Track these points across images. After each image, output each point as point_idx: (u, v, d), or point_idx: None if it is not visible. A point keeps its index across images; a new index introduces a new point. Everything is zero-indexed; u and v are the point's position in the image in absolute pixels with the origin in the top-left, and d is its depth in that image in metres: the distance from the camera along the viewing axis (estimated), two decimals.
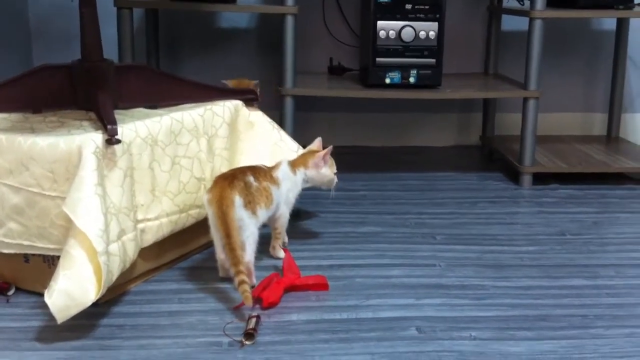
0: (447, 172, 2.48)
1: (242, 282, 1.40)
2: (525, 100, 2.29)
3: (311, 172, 1.71)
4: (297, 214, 1.91)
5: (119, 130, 1.44)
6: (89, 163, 1.37)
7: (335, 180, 1.73)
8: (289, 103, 2.25)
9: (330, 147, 1.73)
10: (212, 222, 1.50)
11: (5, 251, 1.48)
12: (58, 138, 1.42)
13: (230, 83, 2.08)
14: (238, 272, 1.41)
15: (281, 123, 2.28)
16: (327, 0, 2.68)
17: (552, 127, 2.76)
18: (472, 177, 2.42)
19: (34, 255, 1.47)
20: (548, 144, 2.56)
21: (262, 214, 1.57)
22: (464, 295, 1.52)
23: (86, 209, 1.33)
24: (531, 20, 2.24)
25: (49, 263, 1.47)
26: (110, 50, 1.78)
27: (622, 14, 2.35)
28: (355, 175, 2.39)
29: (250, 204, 1.52)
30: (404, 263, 1.68)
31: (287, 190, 1.66)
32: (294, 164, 1.70)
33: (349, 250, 1.76)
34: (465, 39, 2.74)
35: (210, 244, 1.69)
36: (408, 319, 1.41)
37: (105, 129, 1.43)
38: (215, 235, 1.51)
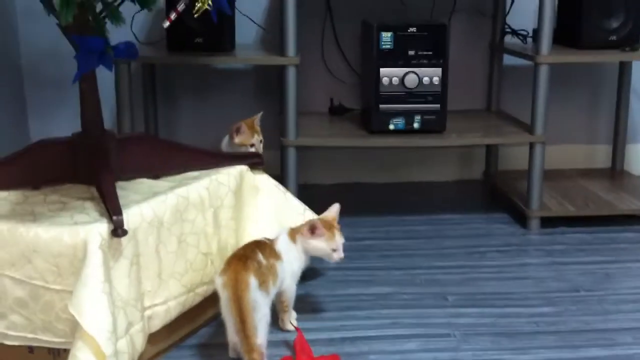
0: (452, 214, 2.44)
1: None
2: (532, 144, 2.25)
3: (303, 241, 1.64)
4: (303, 273, 1.87)
5: (124, 217, 1.40)
6: (95, 258, 1.33)
7: (337, 256, 1.62)
8: (291, 154, 2.21)
9: (323, 217, 1.67)
10: (226, 306, 1.46)
11: (9, 343, 1.44)
12: (62, 230, 1.37)
13: (238, 123, 2.05)
14: None
15: (283, 173, 2.25)
16: (325, 38, 2.64)
17: (555, 160, 2.72)
18: (478, 220, 2.39)
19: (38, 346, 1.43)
20: (553, 182, 2.52)
21: (272, 293, 1.53)
22: None
23: (93, 309, 1.29)
24: (536, 65, 2.20)
25: (54, 355, 1.43)
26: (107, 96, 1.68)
27: (627, 57, 2.32)
28: (359, 220, 2.35)
29: (264, 284, 1.49)
30: (419, 334, 1.65)
31: (290, 262, 1.61)
32: (294, 232, 1.65)
33: (360, 318, 1.73)
34: (467, 75, 2.70)
35: (217, 315, 1.65)
36: None
37: (110, 218, 1.38)
38: (228, 318, 1.47)
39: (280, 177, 2.32)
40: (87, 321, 1.28)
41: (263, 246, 1.56)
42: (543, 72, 2.20)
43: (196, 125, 2.66)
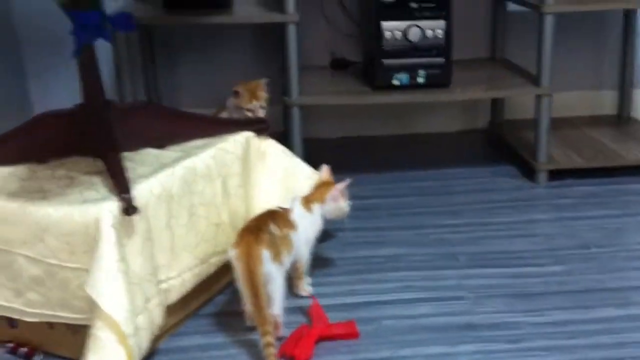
0: (458, 167, 2.42)
1: (268, 345, 1.37)
2: (538, 96, 2.22)
3: (329, 207, 1.66)
4: None
5: (134, 194, 1.38)
6: (109, 237, 1.32)
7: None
8: (295, 113, 2.18)
9: (348, 181, 1.67)
10: (239, 278, 1.46)
11: (28, 320, 1.44)
12: (72, 209, 1.36)
13: (238, 86, 2.02)
14: (265, 333, 1.38)
15: (287, 131, 2.22)
16: None
17: (560, 107, 2.69)
18: (485, 174, 2.37)
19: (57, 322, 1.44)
20: (559, 131, 2.49)
21: (286, 263, 1.53)
22: (498, 338, 1.49)
23: (111, 289, 1.29)
24: (541, 15, 2.15)
25: (73, 330, 1.43)
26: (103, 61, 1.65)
27: (633, 4, 2.27)
28: (366, 177, 2.33)
29: (277, 256, 1.48)
30: (431, 297, 1.65)
31: (304, 231, 1.61)
32: (308, 200, 1.64)
33: (372, 281, 1.73)
34: (470, 23, 2.64)
35: (231, 283, 1.65)
36: None
37: (120, 197, 1.37)
38: (242, 289, 1.47)
39: (284, 134, 2.30)
40: (105, 302, 1.27)
41: (277, 216, 1.55)
42: (548, 22, 2.15)
43: (198, 86, 2.61)
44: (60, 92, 2.55)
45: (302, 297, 1.65)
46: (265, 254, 1.45)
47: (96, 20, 1.37)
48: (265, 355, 1.37)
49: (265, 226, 1.50)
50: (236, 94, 2.00)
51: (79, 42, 1.37)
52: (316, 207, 1.65)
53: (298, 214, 1.60)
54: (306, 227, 1.62)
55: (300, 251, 1.61)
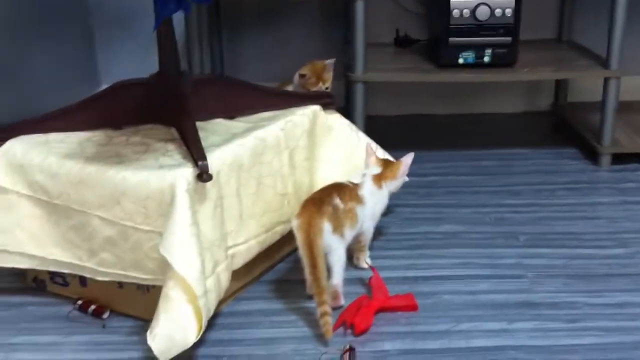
0: (519, 148, 2.42)
1: (324, 314, 1.42)
2: (606, 79, 2.20)
3: (397, 182, 1.70)
4: None
5: (208, 161, 1.43)
6: (183, 202, 1.37)
7: None
8: (359, 89, 2.20)
9: (412, 155, 1.70)
10: (300, 247, 1.50)
11: (100, 279, 1.51)
12: (149, 173, 1.42)
13: (305, 68, 2.05)
14: (321, 303, 1.43)
15: (350, 107, 2.25)
16: None
17: (626, 91, 2.64)
18: (547, 155, 2.36)
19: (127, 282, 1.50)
20: (624, 114, 2.45)
21: (349, 236, 1.57)
22: (557, 317, 1.50)
23: (183, 251, 1.34)
24: None
25: (143, 290, 1.50)
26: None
27: None
28: (424, 154, 2.33)
29: (338, 229, 1.52)
30: (490, 274, 1.67)
31: (372, 206, 1.64)
32: (379, 178, 1.67)
33: (432, 257, 1.75)
34: (536, 3, 2.61)
35: (292, 252, 1.71)
36: (502, 348, 1.41)
37: (195, 163, 1.42)
38: (302, 258, 1.52)
39: (346, 109, 2.32)
40: (178, 263, 1.33)
41: (343, 189, 1.58)
42: (621, 4, 2.11)
43: (262, 59, 2.65)
44: (125, 62, 2.64)
45: (362, 268, 1.68)
46: (327, 225, 1.49)
47: None
48: (321, 324, 1.42)
49: (329, 198, 1.53)
50: (302, 77, 2.03)
51: (160, 14, 1.41)
52: (386, 185, 1.68)
53: (368, 190, 1.64)
54: (375, 203, 1.65)
55: (366, 225, 1.64)
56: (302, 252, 1.49)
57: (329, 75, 2.05)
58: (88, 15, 2.61)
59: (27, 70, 2.10)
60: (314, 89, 2.02)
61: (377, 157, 1.73)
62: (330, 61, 2.07)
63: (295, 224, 1.50)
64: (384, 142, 1.94)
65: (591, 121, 2.37)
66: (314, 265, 1.45)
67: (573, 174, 2.22)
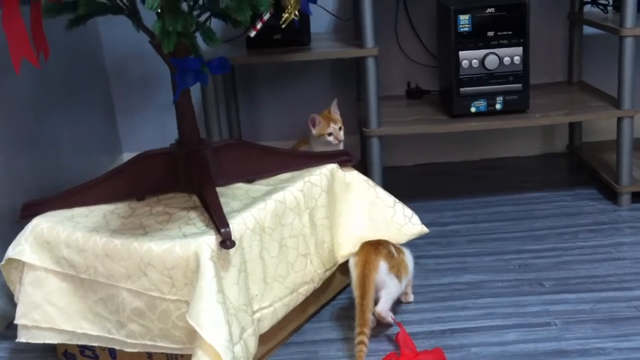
0: (538, 191, 2.42)
1: (360, 342, 1.52)
2: (620, 119, 2.21)
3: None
4: None
5: (231, 227, 1.46)
6: (208, 270, 1.39)
7: None
8: (375, 144, 2.23)
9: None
10: (353, 282, 1.61)
11: (129, 350, 1.53)
12: (173, 243, 1.44)
13: (320, 117, 2.09)
14: (361, 333, 1.53)
15: (366, 161, 2.27)
16: (399, 21, 2.63)
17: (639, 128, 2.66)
18: (566, 197, 2.37)
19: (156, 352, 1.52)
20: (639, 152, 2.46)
21: (404, 282, 1.68)
22: None
23: (211, 319, 1.36)
24: (621, 38, 2.15)
25: (172, 359, 1.52)
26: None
27: None
28: (443, 203, 2.36)
29: (393, 268, 1.63)
30: (517, 324, 1.67)
31: (410, 261, 1.76)
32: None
33: (457, 308, 1.75)
34: (546, 47, 2.65)
35: (317, 312, 1.73)
36: None
37: (217, 230, 1.45)
38: (354, 292, 1.61)
39: (362, 163, 2.34)
40: (206, 331, 1.35)
41: (393, 244, 1.70)
42: (628, 46, 2.14)
43: (277, 120, 2.71)
44: (146, 130, 2.70)
45: (388, 325, 1.69)
46: (382, 264, 1.60)
47: (197, 65, 1.46)
48: (356, 350, 1.52)
49: (385, 244, 1.66)
50: (313, 122, 2.09)
51: (179, 87, 1.46)
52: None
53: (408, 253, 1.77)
54: (410, 260, 1.76)
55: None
56: (354, 286, 1.59)
57: (336, 116, 2.12)
58: (108, 84, 2.69)
59: (50, 139, 2.15)
60: (329, 131, 2.08)
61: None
62: (332, 103, 2.13)
63: (352, 262, 1.62)
64: (402, 193, 1.96)
65: (608, 160, 2.37)
66: (362, 297, 1.55)
67: (594, 215, 2.22)
